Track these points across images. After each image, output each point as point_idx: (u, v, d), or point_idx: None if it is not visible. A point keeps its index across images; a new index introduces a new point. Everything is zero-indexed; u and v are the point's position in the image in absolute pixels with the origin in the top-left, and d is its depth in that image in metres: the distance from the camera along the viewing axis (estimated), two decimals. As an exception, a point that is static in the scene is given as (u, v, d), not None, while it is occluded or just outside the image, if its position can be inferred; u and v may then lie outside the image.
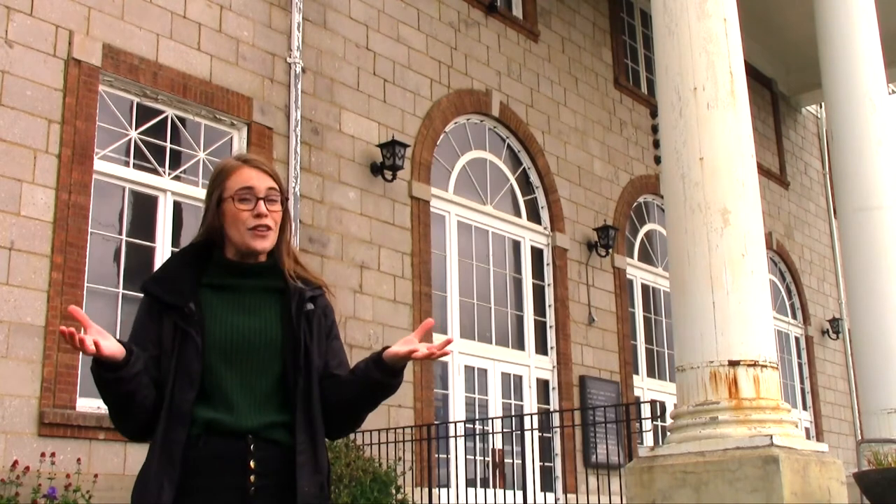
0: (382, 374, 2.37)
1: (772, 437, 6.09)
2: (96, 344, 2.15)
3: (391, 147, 10.17)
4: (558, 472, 11.72)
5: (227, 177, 2.45)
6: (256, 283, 2.44)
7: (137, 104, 8.52)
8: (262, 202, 2.41)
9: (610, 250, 13.31)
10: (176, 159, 8.78)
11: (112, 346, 2.19)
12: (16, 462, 6.71)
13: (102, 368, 2.21)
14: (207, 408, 2.28)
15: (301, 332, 2.38)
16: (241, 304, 2.40)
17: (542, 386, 12.09)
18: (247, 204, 2.41)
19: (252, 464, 2.27)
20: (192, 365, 2.30)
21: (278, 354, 2.37)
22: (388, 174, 10.27)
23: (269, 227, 2.41)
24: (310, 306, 2.44)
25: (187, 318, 2.32)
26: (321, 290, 2.50)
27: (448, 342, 2.39)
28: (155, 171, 8.56)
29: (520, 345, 11.99)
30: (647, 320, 14.31)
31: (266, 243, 2.41)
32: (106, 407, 2.32)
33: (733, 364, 6.51)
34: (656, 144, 12.84)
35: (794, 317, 18.33)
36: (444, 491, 9.83)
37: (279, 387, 2.36)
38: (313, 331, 2.42)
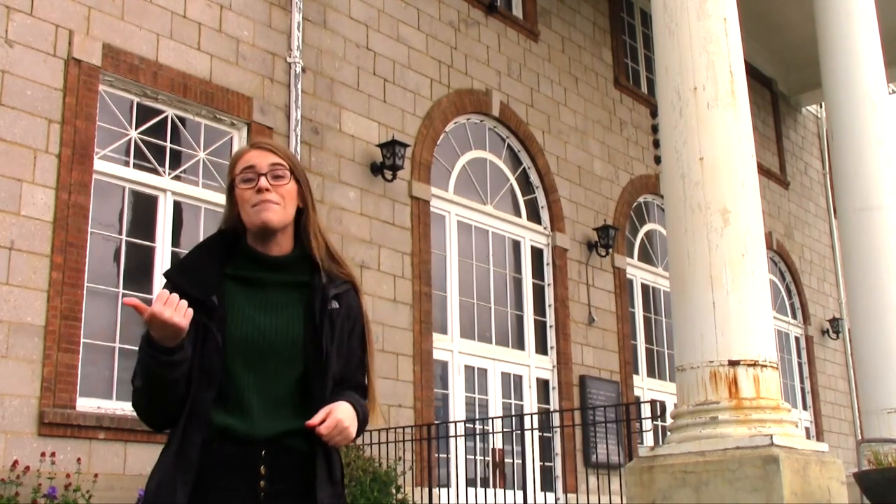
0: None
1: (772, 437, 6.09)
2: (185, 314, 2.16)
3: (391, 147, 10.16)
4: (558, 471, 11.72)
5: (234, 163, 2.42)
6: (281, 277, 2.37)
7: (137, 104, 8.52)
8: (263, 177, 2.34)
9: (610, 250, 13.31)
10: (176, 159, 8.78)
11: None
12: (16, 462, 6.71)
13: (159, 352, 2.17)
14: (223, 412, 2.25)
15: (322, 335, 2.31)
16: (264, 300, 2.34)
17: (542, 386, 12.09)
18: (250, 183, 2.36)
19: (263, 469, 2.24)
20: (213, 363, 2.26)
21: (299, 356, 2.31)
22: (388, 174, 10.27)
23: (272, 201, 2.33)
24: (334, 304, 2.36)
25: (210, 313, 2.28)
26: (348, 284, 2.42)
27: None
28: (155, 171, 8.55)
29: (520, 345, 11.99)
30: (647, 320, 14.31)
31: (270, 215, 2.33)
32: (141, 397, 2.27)
33: (733, 364, 6.51)
34: (656, 144, 12.85)
35: (794, 317, 18.33)
36: (444, 491, 9.83)
37: (297, 390, 2.31)
38: (335, 332, 2.34)
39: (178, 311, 2.14)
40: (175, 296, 2.15)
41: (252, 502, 2.24)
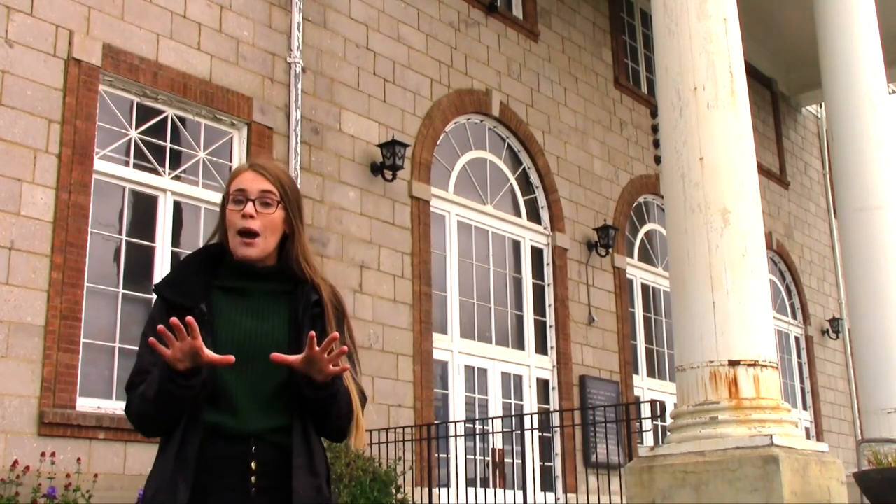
0: (309, 389, 2.29)
1: (772, 437, 6.09)
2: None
3: (391, 147, 10.17)
4: (558, 471, 11.72)
5: (230, 180, 2.48)
6: (266, 286, 2.44)
7: (137, 104, 8.52)
8: (251, 203, 2.40)
9: (610, 250, 13.31)
10: (176, 159, 8.78)
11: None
12: (16, 462, 6.71)
13: (179, 376, 2.21)
14: (213, 411, 2.30)
15: (303, 337, 2.35)
16: (251, 307, 2.41)
17: (542, 386, 12.09)
18: (239, 205, 2.42)
19: (253, 465, 2.29)
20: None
21: None
22: (388, 174, 10.27)
23: (254, 233, 2.39)
24: (317, 309, 2.42)
25: (198, 320, 2.30)
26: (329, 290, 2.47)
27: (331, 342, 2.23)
28: (155, 171, 8.56)
29: (520, 345, 11.99)
30: (647, 320, 14.31)
31: (250, 251, 2.40)
32: (144, 409, 2.30)
33: (733, 364, 6.51)
34: (656, 144, 12.84)
35: (794, 317, 18.33)
36: (444, 491, 9.84)
37: (284, 390, 2.35)
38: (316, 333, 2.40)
39: (185, 343, 2.17)
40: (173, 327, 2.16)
41: (242, 498, 2.27)
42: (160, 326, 2.18)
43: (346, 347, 2.23)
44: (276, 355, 2.23)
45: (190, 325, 2.15)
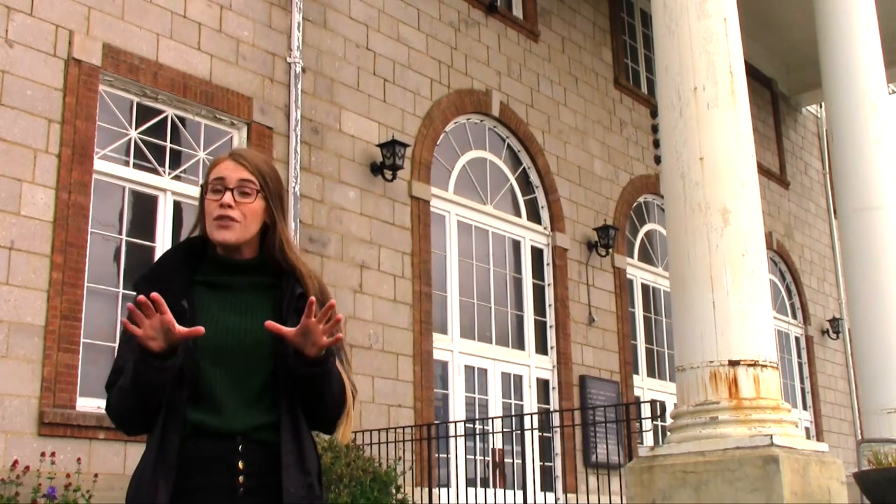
0: (302, 367, 2.26)
1: (772, 437, 6.09)
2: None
3: (391, 147, 10.17)
4: (558, 471, 11.72)
5: (210, 170, 2.45)
6: (248, 280, 2.41)
7: (137, 104, 8.52)
8: (229, 192, 2.37)
9: (610, 250, 13.31)
10: (176, 159, 8.78)
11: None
12: (16, 462, 6.71)
13: (154, 357, 2.18)
14: (197, 409, 2.27)
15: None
16: (234, 302, 2.38)
17: (542, 386, 12.09)
18: (217, 194, 2.39)
19: (241, 464, 2.26)
20: (185, 364, 2.28)
21: (268, 354, 2.32)
22: (388, 174, 10.27)
23: (233, 219, 2.36)
24: (302, 302, 2.37)
25: (180, 317, 2.29)
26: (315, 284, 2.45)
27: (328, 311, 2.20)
28: (155, 171, 8.56)
29: (520, 345, 11.99)
30: (647, 320, 14.31)
31: (228, 234, 2.36)
32: (122, 402, 2.28)
33: (733, 364, 6.51)
34: (656, 144, 12.83)
35: (794, 317, 18.33)
36: (444, 491, 9.83)
37: (269, 387, 2.32)
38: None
39: (155, 323, 2.16)
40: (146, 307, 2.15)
41: (230, 498, 2.24)
42: (129, 305, 2.15)
43: (340, 316, 2.20)
44: (270, 323, 2.20)
45: (157, 301, 2.13)
